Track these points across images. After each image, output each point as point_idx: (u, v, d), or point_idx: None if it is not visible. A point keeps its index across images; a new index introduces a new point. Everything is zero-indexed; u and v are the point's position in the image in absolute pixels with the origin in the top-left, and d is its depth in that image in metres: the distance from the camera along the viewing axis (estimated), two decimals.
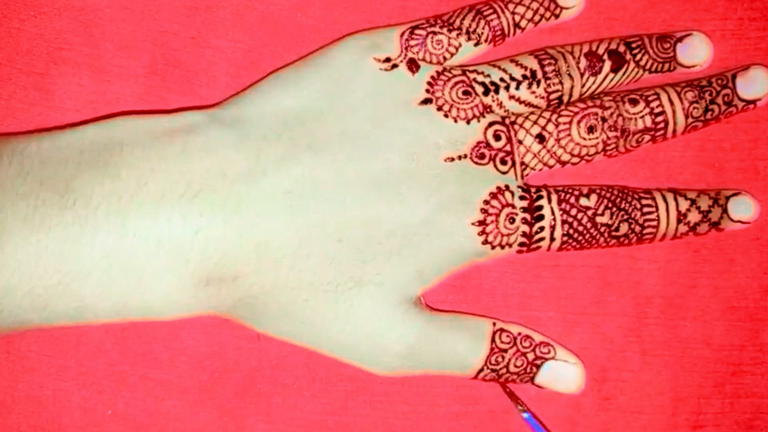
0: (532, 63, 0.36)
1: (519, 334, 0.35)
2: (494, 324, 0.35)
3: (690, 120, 0.36)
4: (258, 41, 0.38)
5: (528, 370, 0.35)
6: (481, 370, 0.35)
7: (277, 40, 0.38)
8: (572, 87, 0.36)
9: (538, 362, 0.35)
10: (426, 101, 0.35)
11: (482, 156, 0.35)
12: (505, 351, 0.35)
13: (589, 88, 0.37)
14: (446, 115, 0.35)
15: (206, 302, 0.33)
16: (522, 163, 0.36)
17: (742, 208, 0.37)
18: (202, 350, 0.37)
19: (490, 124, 0.35)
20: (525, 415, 0.36)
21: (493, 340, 0.35)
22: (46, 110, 0.37)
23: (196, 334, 0.37)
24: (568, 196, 0.35)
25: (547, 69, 0.36)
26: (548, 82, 0.36)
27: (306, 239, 0.33)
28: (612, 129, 0.36)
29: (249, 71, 0.38)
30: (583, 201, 0.35)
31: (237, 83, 0.37)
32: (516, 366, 0.35)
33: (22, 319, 0.32)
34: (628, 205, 0.36)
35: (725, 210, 0.36)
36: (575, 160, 0.36)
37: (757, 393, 0.37)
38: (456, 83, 0.35)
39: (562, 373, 0.35)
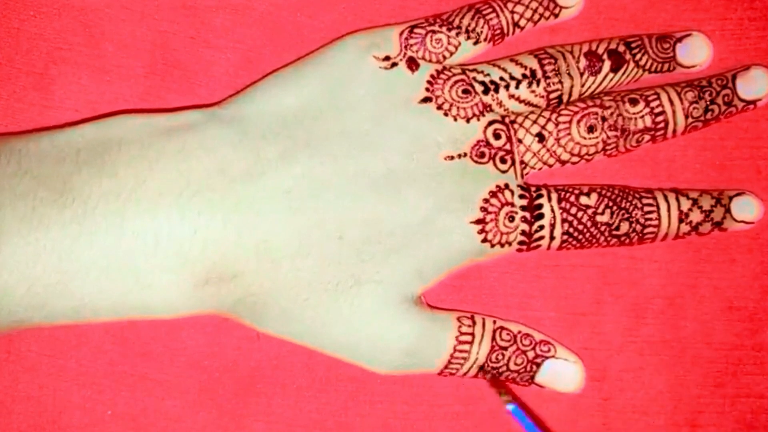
0: (532, 62, 0.36)
1: (519, 332, 0.35)
2: (494, 322, 0.35)
3: (690, 120, 0.36)
4: (257, 41, 0.38)
5: (528, 368, 0.35)
6: (482, 367, 0.35)
7: (276, 40, 0.38)
8: (572, 86, 0.36)
9: (539, 360, 0.35)
10: (426, 100, 0.35)
11: (482, 155, 0.35)
12: (506, 349, 0.35)
13: (589, 87, 0.36)
14: (446, 114, 0.35)
15: (205, 301, 0.33)
16: (522, 162, 0.36)
17: (746, 208, 0.37)
18: (201, 350, 0.37)
19: (490, 123, 0.35)
20: (510, 407, 0.34)
21: (493, 338, 0.35)
22: (45, 110, 0.37)
23: (195, 334, 0.37)
24: (568, 194, 0.35)
25: (546, 68, 0.36)
26: (548, 81, 0.36)
27: (305, 238, 0.33)
28: (612, 129, 0.36)
29: (248, 71, 0.38)
30: (584, 200, 0.35)
31: (236, 83, 0.37)
32: (516, 364, 0.35)
33: (21, 317, 0.31)
34: (628, 204, 0.35)
35: (728, 210, 0.36)
36: (575, 159, 0.36)
37: (757, 393, 0.37)
38: (456, 82, 0.35)
39: (562, 372, 0.35)
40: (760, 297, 0.37)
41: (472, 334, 0.35)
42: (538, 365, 0.35)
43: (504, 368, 0.35)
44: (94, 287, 0.31)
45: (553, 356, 0.35)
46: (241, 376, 0.37)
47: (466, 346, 0.35)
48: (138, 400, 0.37)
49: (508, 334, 0.35)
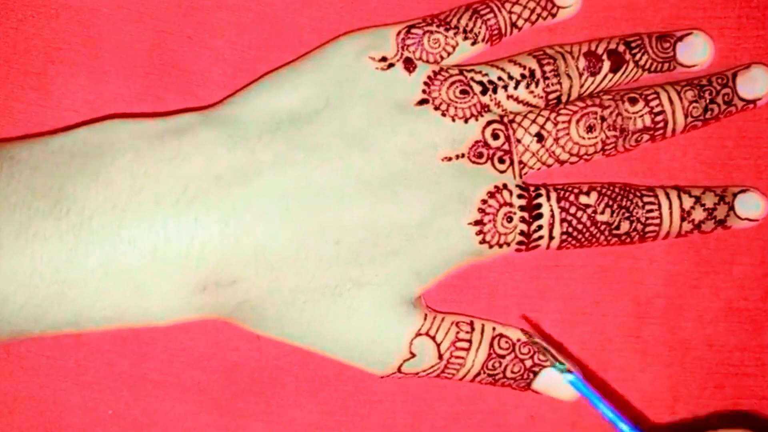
0: (531, 63, 0.36)
1: (518, 340, 0.35)
2: (494, 329, 0.35)
3: (689, 119, 0.36)
4: (254, 41, 0.38)
5: (525, 376, 0.35)
6: (478, 374, 0.35)
7: (273, 40, 0.38)
8: (571, 87, 0.36)
9: (536, 369, 0.35)
10: (422, 102, 0.35)
11: (480, 155, 0.35)
12: (503, 357, 0.35)
13: (588, 87, 0.36)
14: (444, 115, 0.35)
15: (204, 307, 0.33)
16: (520, 162, 0.35)
17: (751, 205, 0.36)
18: (201, 350, 0.37)
19: (489, 123, 0.35)
20: (570, 376, 0.33)
21: (491, 346, 0.35)
22: (43, 110, 0.37)
23: (195, 335, 0.37)
24: (567, 194, 0.35)
25: (546, 69, 0.36)
26: (547, 82, 0.36)
27: (303, 242, 0.33)
28: (611, 128, 0.35)
29: (246, 71, 0.37)
30: (583, 199, 0.35)
31: (234, 83, 0.37)
32: (513, 372, 0.35)
33: (21, 329, 0.31)
34: (629, 202, 0.35)
35: (732, 207, 0.36)
36: (574, 159, 0.36)
37: (757, 394, 0.37)
38: (453, 82, 0.35)
39: (559, 381, 0.35)
40: (762, 298, 0.37)
41: (470, 341, 0.35)
42: (535, 374, 0.35)
43: (500, 375, 0.35)
44: (92, 297, 0.31)
45: (551, 365, 0.35)
46: (241, 376, 0.37)
47: (462, 353, 0.34)
48: (138, 400, 0.37)
49: (507, 342, 0.35)
